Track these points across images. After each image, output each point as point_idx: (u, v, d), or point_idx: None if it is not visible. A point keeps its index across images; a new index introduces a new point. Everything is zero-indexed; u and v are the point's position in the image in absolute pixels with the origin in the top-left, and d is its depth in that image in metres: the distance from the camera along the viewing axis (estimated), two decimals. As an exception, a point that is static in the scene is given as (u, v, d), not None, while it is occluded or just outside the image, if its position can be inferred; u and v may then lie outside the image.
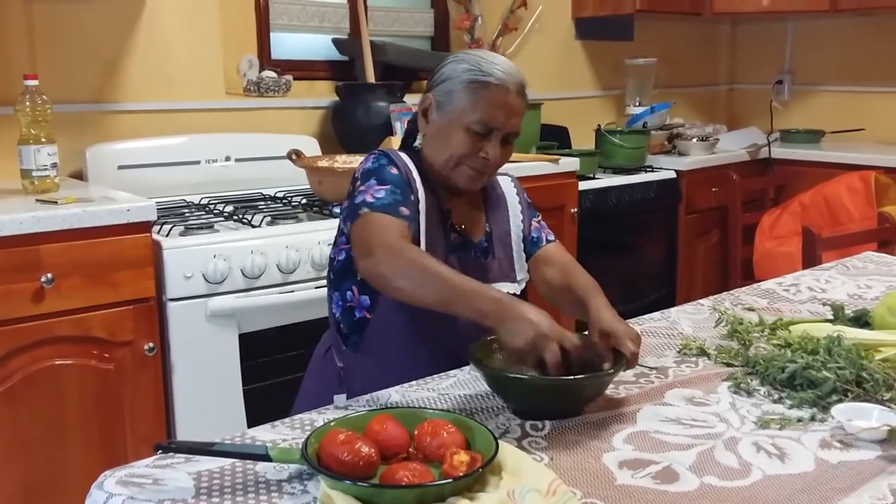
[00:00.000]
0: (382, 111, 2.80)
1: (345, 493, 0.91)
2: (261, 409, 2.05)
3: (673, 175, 3.44)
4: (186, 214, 2.31)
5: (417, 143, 1.50)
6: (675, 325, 1.60)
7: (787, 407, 1.22)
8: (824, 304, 1.69)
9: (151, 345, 1.98)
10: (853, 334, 1.36)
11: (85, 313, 1.91)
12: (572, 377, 1.16)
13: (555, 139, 3.37)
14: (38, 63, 2.35)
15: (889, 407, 1.17)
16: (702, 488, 0.99)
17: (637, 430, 1.15)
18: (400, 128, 2.73)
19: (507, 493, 0.92)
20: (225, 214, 2.31)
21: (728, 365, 1.39)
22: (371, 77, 2.90)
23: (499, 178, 1.56)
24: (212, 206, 2.40)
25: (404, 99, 2.91)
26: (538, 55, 3.56)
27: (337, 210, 2.29)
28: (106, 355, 1.95)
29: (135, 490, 0.96)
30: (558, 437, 1.12)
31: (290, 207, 2.44)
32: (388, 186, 1.35)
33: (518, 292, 1.50)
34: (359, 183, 1.39)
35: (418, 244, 1.37)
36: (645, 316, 1.65)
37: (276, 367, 2.14)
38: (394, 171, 1.38)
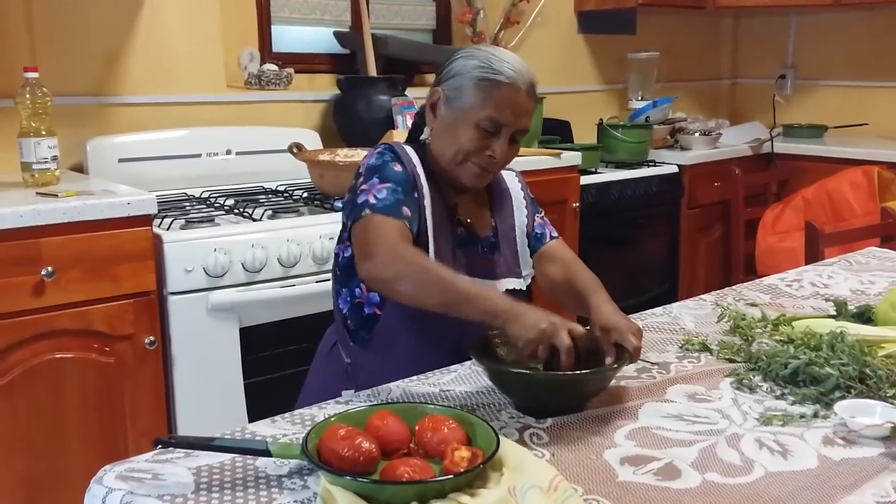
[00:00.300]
0: (384, 104, 2.79)
1: (345, 488, 0.90)
2: (261, 403, 2.05)
3: (675, 170, 3.43)
4: (187, 208, 2.30)
5: (424, 136, 1.50)
6: (677, 321, 1.59)
7: (789, 403, 1.22)
8: (827, 300, 1.68)
9: (152, 338, 1.98)
10: (856, 330, 1.36)
11: (85, 307, 1.91)
12: (575, 372, 1.15)
13: (557, 133, 3.36)
14: (39, 55, 2.34)
15: (892, 403, 1.17)
16: (704, 485, 0.99)
17: (639, 427, 1.14)
18: (401, 121, 2.72)
19: (508, 489, 0.92)
20: (226, 208, 2.30)
21: (730, 361, 1.38)
22: (372, 70, 2.89)
23: (504, 173, 1.56)
24: (212, 200, 2.40)
25: (406, 92, 2.90)
26: (540, 49, 3.55)
27: (339, 204, 2.29)
28: (106, 349, 1.95)
29: (134, 485, 0.96)
30: (560, 433, 1.12)
31: (291, 201, 2.43)
32: (391, 185, 1.34)
33: (524, 288, 1.50)
34: (362, 179, 1.38)
35: (424, 241, 1.37)
36: (647, 311, 1.64)
37: (277, 362, 2.14)
38: (397, 167, 1.38)
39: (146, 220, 1.97)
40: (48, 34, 2.37)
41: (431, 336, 1.39)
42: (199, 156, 2.56)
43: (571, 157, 2.94)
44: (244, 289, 2.07)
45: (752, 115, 4.30)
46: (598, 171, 3.22)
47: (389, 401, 1.21)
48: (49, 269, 1.84)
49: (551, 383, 1.16)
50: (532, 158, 2.79)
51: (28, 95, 2.04)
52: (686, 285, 3.53)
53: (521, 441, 1.09)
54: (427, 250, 1.37)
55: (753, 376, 1.30)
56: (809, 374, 1.25)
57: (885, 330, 1.39)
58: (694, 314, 1.63)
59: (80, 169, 2.42)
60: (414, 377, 1.31)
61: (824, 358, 1.26)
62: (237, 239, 2.06)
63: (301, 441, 0.98)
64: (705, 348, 1.43)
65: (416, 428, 1.03)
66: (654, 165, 3.41)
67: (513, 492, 0.91)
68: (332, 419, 1.04)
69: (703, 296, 1.76)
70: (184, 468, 1.00)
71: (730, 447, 1.08)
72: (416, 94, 2.83)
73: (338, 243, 1.47)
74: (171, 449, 1.04)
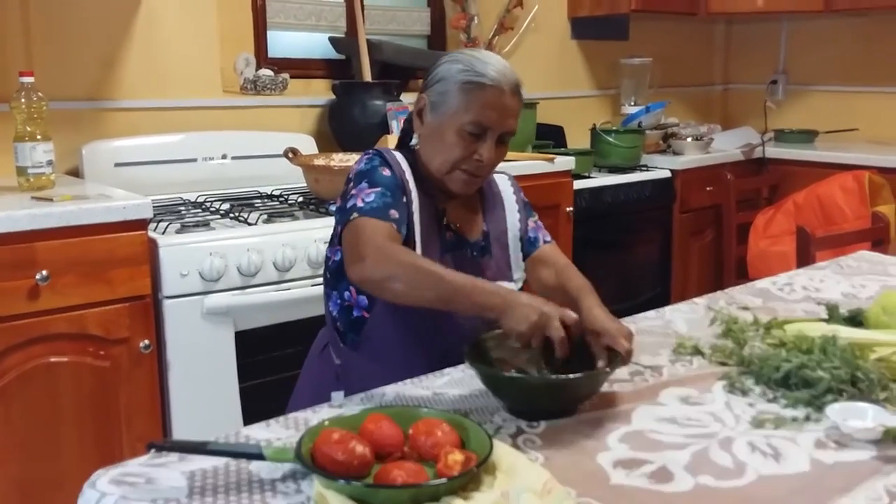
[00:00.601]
0: (379, 110, 2.80)
1: (339, 492, 0.90)
2: (257, 406, 2.05)
3: (668, 174, 3.44)
4: (183, 212, 2.30)
5: (413, 142, 1.50)
6: (670, 324, 1.60)
7: (781, 406, 1.22)
8: (819, 304, 1.69)
9: (147, 342, 1.98)
10: (848, 334, 1.36)
11: (80, 311, 1.90)
12: (567, 376, 1.16)
13: (550, 138, 3.37)
14: (35, 60, 2.34)
15: (884, 406, 1.17)
16: (696, 488, 0.99)
17: (632, 430, 1.15)
18: (396, 126, 2.73)
19: (501, 493, 0.92)
20: (221, 212, 2.30)
21: (723, 364, 1.38)
22: (367, 76, 2.90)
23: (496, 176, 1.56)
24: (208, 204, 2.40)
25: (401, 97, 2.91)
26: (534, 54, 3.56)
27: (333, 208, 2.29)
28: (101, 353, 1.94)
29: (128, 489, 0.95)
30: (553, 437, 1.12)
31: (286, 205, 2.44)
32: (379, 189, 1.35)
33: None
34: (351, 185, 1.39)
35: (411, 245, 1.38)
36: (639, 315, 1.64)
37: (273, 365, 2.14)
38: (386, 172, 1.38)
39: (141, 224, 1.97)
40: (44, 38, 2.37)
41: (419, 339, 1.39)
42: (194, 160, 2.56)
43: (565, 162, 2.95)
44: (239, 293, 2.07)
45: (743, 120, 4.32)
46: (592, 175, 3.23)
47: (383, 404, 1.21)
48: (44, 273, 1.84)
49: (543, 386, 1.17)
50: (525, 163, 2.80)
51: (23, 100, 2.04)
52: (678, 289, 3.53)
53: (514, 444, 1.09)
54: None
55: (746, 380, 1.30)
56: (801, 378, 1.25)
57: (876, 333, 1.39)
58: (686, 318, 1.64)
59: (75, 173, 2.42)
60: (407, 380, 1.31)
61: (816, 361, 1.26)
62: (232, 243, 2.07)
63: (295, 445, 0.98)
64: (698, 352, 1.44)
65: (410, 431, 1.03)
66: (647, 170, 3.42)
67: (506, 495, 0.91)
68: (326, 423, 1.03)
69: (695, 299, 1.76)
70: (178, 472, 1.00)
71: (722, 450, 1.08)
72: (411, 100, 2.83)
73: (329, 247, 1.47)
74: (164, 453, 1.03)
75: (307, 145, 2.75)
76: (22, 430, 1.87)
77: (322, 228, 2.19)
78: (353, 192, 1.36)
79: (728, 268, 3.65)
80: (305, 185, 2.46)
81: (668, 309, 1.69)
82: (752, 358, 1.35)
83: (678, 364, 1.40)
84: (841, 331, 1.36)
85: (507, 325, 1.18)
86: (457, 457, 0.96)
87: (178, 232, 2.08)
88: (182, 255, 2.00)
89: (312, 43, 3.14)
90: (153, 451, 1.01)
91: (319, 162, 2.44)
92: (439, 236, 1.43)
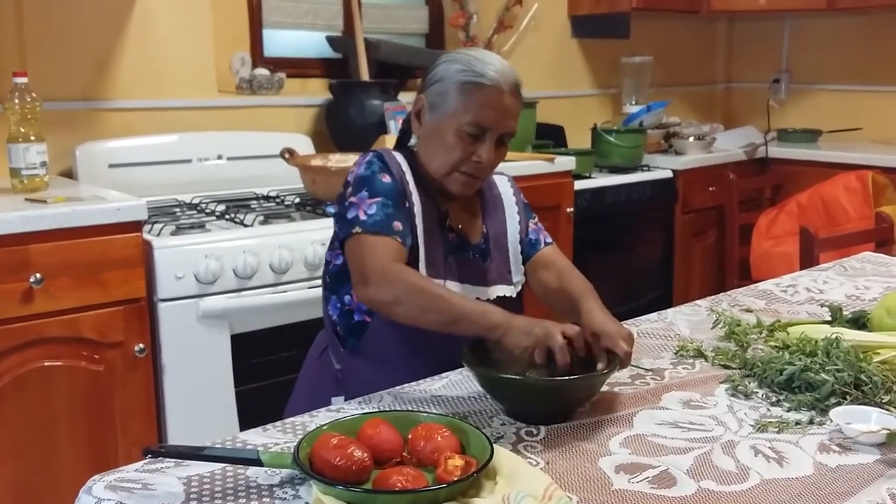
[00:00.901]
0: (376, 109, 2.78)
1: (337, 498, 0.90)
2: (253, 410, 2.03)
3: (669, 174, 3.43)
4: (178, 214, 2.29)
5: (412, 143, 1.49)
6: (672, 327, 1.58)
7: (785, 410, 1.21)
8: (822, 306, 1.68)
9: (142, 346, 1.96)
10: (851, 336, 1.35)
11: (75, 314, 1.89)
12: (564, 377, 1.15)
13: (550, 138, 3.36)
14: (28, 60, 2.33)
15: (888, 410, 1.16)
16: (699, 493, 0.98)
17: (633, 434, 1.14)
18: (394, 126, 2.71)
19: (501, 498, 0.91)
20: (217, 214, 2.29)
21: (725, 367, 1.37)
22: (365, 75, 2.89)
23: (495, 178, 1.55)
24: (203, 206, 2.39)
25: (398, 97, 2.90)
26: (534, 53, 3.55)
27: (330, 210, 2.27)
28: (96, 356, 1.93)
29: (124, 495, 0.95)
30: (554, 441, 1.11)
31: (282, 207, 2.42)
32: (380, 199, 1.34)
33: (514, 295, 1.49)
34: (351, 190, 1.37)
35: (414, 249, 1.37)
36: (641, 317, 1.64)
37: (269, 369, 2.13)
38: (385, 178, 1.37)
39: (136, 226, 1.96)
40: (38, 39, 2.36)
41: (421, 342, 1.38)
42: (189, 161, 2.55)
43: (565, 162, 2.93)
44: (235, 295, 2.06)
45: (746, 119, 4.31)
46: (592, 175, 3.22)
47: (382, 408, 1.20)
48: (38, 276, 1.82)
49: (541, 388, 1.16)
50: (526, 163, 2.79)
51: (17, 100, 2.03)
52: (681, 291, 3.52)
53: (515, 449, 1.08)
54: (417, 258, 1.36)
55: (749, 383, 1.29)
56: (805, 381, 1.24)
57: (880, 336, 1.38)
58: (689, 320, 1.62)
59: (69, 174, 2.41)
60: (405, 384, 1.30)
61: (819, 364, 1.25)
62: (228, 245, 2.05)
63: (293, 450, 0.97)
64: (700, 354, 1.43)
65: (409, 436, 1.03)
66: (649, 170, 3.41)
67: (507, 500, 0.90)
68: (325, 428, 1.03)
69: (697, 301, 1.75)
70: (174, 478, 0.99)
71: (725, 454, 1.08)
72: (409, 99, 2.82)
73: (328, 250, 1.46)
74: (160, 458, 1.03)
75: (304, 145, 2.73)
76: (16, 434, 1.86)
77: (319, 230, 2.17)
78: (354, 199, 1.35)
79: (731, 269, 3.64)
80: (302, 185, 2.44)
81: (670, 311, 1.68)
82: (754, 361, 1.34)
83: (680, 367, 1.39)
84: (844, 333, 1.36)
85: (510, 342, 1.19)
86: (457, 462, 0.96)
87: (173, 234, 2.07)
88: (177, 257, 1.98)
89: (309, 42, 3.12)
90: (149, 456, 1.00)
91: (316, 162, 2.43)
92: (442, 238, 1.42)
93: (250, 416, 2.00)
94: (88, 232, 1.89)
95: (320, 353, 1.51)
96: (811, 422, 1.16)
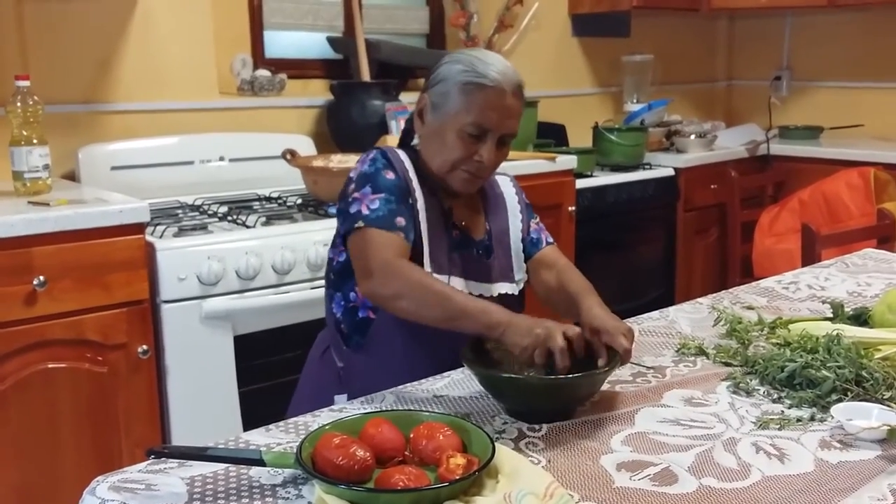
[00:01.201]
0: (378, 110, 2.79)
1: (340, 497, 0.90)
2: (257, 411, 2.04)
3: (671, 172, 3.43)
4: (180, 215, 2.29)
5: (415, 142, 1.49)
6: (674, 325, 1.59)
7: (786, 407, 1.21)
8: (824, 302, 1.68)
9: (145, 347, 1.97)
10: (853, 333, 1.35)
11: (78, 316, 1.89)
12: (565, 376, 1.15)
13: (552, 137, 3.36)
14: (30, 63, 2.33)
15: (889, 406, 1.16)
16: (700, 490, 0.98)
17: (635, 432, 1.14)
18: (395, 126, 2.71)
19: (503, 496, 0.91)
20: (219, 215, 2.29)
21: (727, 364, 1.38)
22: (366, 75, 2.89)
23: (497, 177, 1.56)
24: (206, 207, 2.39)
25: (399, 97, 2.90)
26: (534, 52, 3.55)
27: (332, 210, 2.28)
28: (99, 358, 1.93)
29: (127, 496, 0.95)
30: (555, 440, 1.11)
31: (284, 208, 2.42)
32: (383, 195, 1.35)
33: (516, 293, 1.49)
34: (354, 186, 1.38)
35: (419, 245, 1.37)
36: (643, 315, 1.64)
37: (272, 369, 2.13)
38: (389, 175, 1.38)
39: (139, 228, 1.96)
40: (39, 42, 2.36)
41: (426, 339, 1.38)
42: (191, 163, 2.55)
43: (567, 161, 2.93)
44: (238, 296, 2.06)
45: (747, 117, 4.30)
46: (594, 174, 3.21)
47: (384, 408, 1.20)
48: (41, 278, 1.83)
49: (541, 387, 1.16)
50: (527, 162, 2.79)
51: (19, 104, 2.03)
52: (683, 288, 3.52)
53: (516, 447, 1.08)
54: (422, 255, 1.37)
55: (750, 380, 1.30)
56: (806, 378, 1.24)
57: (881, 332, 1.38)
58: (690, 318, 1.62)
59: (72, 177, 2.41)
60: (407, 384, 1.30)
61: (821, 361, 1.25)
62: (231, 246, 2.05)
63: (295, 450, 0.97)
64: (702, 352, 1.43)
65: (411, 435, 1.03)
66: (650, 168, 3.41)
67: (508, 499, 0.90)
68: (327, 427, 1.03)
69: (699, 299, 1.75)
70: (177, 478, 0.99)
71: (727, 451, 1.08)
72: (410, 99, 2.82)
73: (331, 248, 1.46)
74: (164, 459, 1.03)
75: (305, 146, 2.73)
76: (20, 436, 1.86)
77: (321, 231, 2.17)
78: (357, 195, 1.36)
79: (733, 266, 3.64)
80: (304, 186, 2.45)
81: (671, 309, 1.68)
82: (756, 358, 1.35)
83: (682, 365, 1.39)
84: (846, 330, 1.36)
85: (510, 341, 1.19)
86: (458, 460, 0.96)
87: (175, 236, 2.07)
88: (180, 258, 1.99)
89: (310, 43, 3.13)
90: (152, 457, 1.01)
91: (318, 163, 2.43)
92: (447, 235, 1.43)
93: (254, 416, 2.01)
94: (91, 234, 1.89)
95: (322, 352, 1.51)
96: (812, 418, 1.17)
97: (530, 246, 1.53)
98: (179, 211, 2.35)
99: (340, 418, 1.08)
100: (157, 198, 2.41)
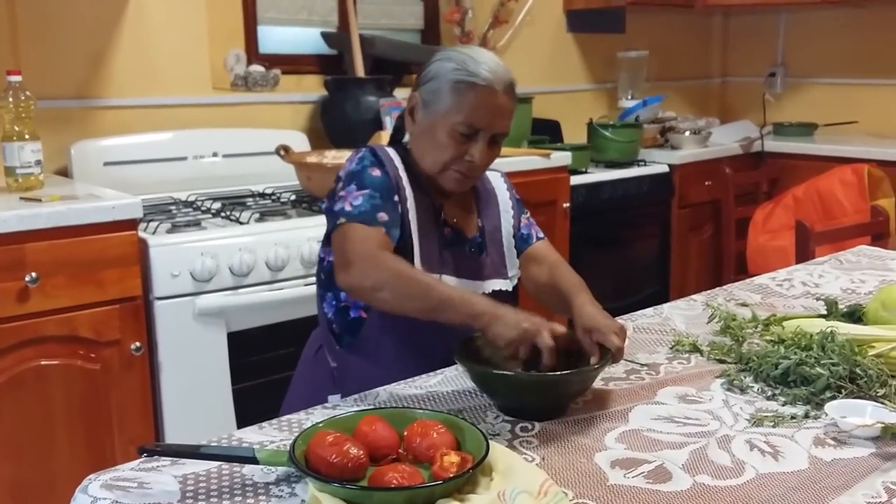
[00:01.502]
0: (372, 105, 2.78)
1: (333, 495, 0.90)
2: (250, 408, 2.03)
3: (665, 169, 3.43)
4: (173, 211, 2.29)
5: (405, 140, 1.49)
6: (668, 322, 1.59)
7: (780, 404, 1.21)
8: (818, 299, 1.68)
9: (138, 344, 1.96)
10: (846, 330, 1.35)
11: (70, 313, 1.89)
12: (556, 373, 1.15)
13: (546, 133, 3.35)
14: (22, 58, 2.32)
15: (883, 403, 1.16)
16: (695, 487, 0.98)
17: (629, 429, 1.14)
18: (389, 122, 2.71)
19: (497, 494, 0.91)
20: (212, 211, 2.28)
21: (721, 361, 1.38)
22: (360, 71, 2.88)
23: (489, 174, 1.55)
24: (199, 203, 2.38)
25: (394, 93, 2.89)
26: (529, 48, 3.55)
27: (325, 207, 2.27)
28: (92, 355, 1.93)
29: (119, 494, 0.94)
30: (550, 437, 1.11)
31: (278, 204, 2.42)
32: (367, 191, 1.34)
33: (510, 289, 1.49)
34: (340, 185, 1.38)
35: (409, 244, 1.36)
36: (637, 312, 1.64)
37: (266, 366, 2.13)
38: (376, 172, 1.37)
39: (131, 224, 1.96)
40: (31, 36, 2.35)
41: (418, 338, 1.38)
42: (185, 159, 2.55)
43: (561, 158, 2.93)
44: (231, 293, 2.05)
45: (742, 113, 4.31)
46: (588, 171, 3.21)
47: (377, 405, 1.20)
48: (33, 274, 1.82)
49: (533, 384, 1.16)
50: (521, 159, 2.78)
51: (11, 99, 2.02)
52: (677, 285, 3.52)
53: (510, 445, 1.08)
54: (412, 254, 1.36)
55: (744, 377, 1.30)
56: (800, 375, 1.24)
57: (875, 329, 1.38)
58: (685, 315, 1.62)
59: (64, 173, 2.40)
60: (401, 381, 1.30)
61: (815, 358, 1.25)
62: (224, 243, 2.05)
63: (288, 448, 0.97)
64: (696, 349, 1.43)
65: (405, 433, 1.03)
66: (645, 165, 3.41)
67: (502, 497, 0.90)
68: (320, 425, 1.03)
69: (693, 296, 1.75)
70: (170, 476, 0.99)
71: (721, 449, 1.08)
72: (405, 95, 2.78)
73: (322, 247, 1.46)
74: (156, 457, 1.02)
75: (299, 142, 2.73)
76: (13, 434, 1.85)
77: (315, 227, 2.17)
78: (342, 193, 1.36)
79: (727, 263, 3.64)
80: (298, 182, 2.44)
81: (666, 306, 1.68)
82: (750, 355, 1.34)
83: (676, 362, 1.39)
84: (840, 327, 1.36)
85: (495, 333, 1.17)
86: (452, 458, 0.96)
87: (168, 232, 2.06)
88: (173, 255, 1.98)
89: (304, 38, 3.11)
90: (145, 455, 1.00)
91: (312, 159, 2.42)
92: (437, 233, 1.42)
93: (247, 413, 2.00)
94: (84, 230, 1.88)
95: (315, 351, 1.50)
96: (806, 416, 1.17)
97: (520, 241, 1.52)
98: (173, 207, 2.34)
99: (334, 416, 1.07)
100: (151, 194, 2.40)
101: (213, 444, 1.07)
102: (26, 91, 2.04)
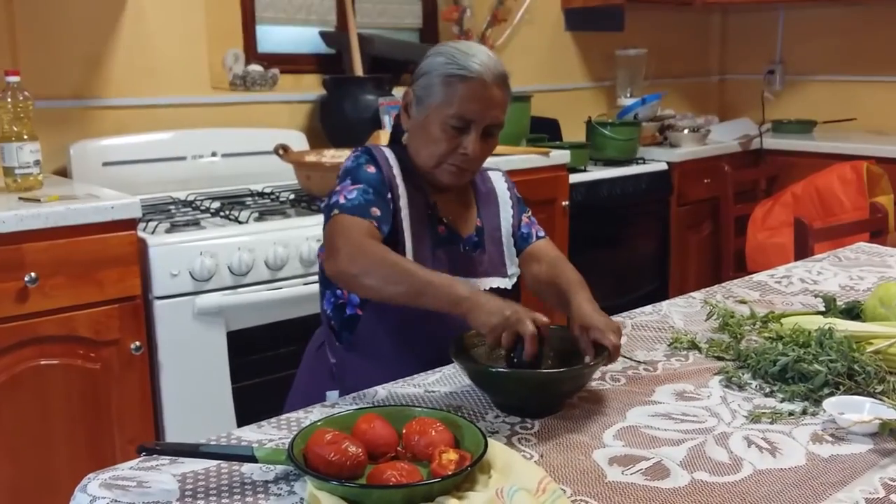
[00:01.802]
0: (370, 104, 2.78)
1: (332, 493, 0.90)
2: (250, 407, 2.04)
3: (664, 167, 3.43)
4: (172, 211, 2.28)
5: (404, 138, 1.49)
6: (667, 319, 1.59)
7: (778, 401, 1.22)
8: (816, 296, 1.68)
9: (138, 344, 1.96)
10: (845, 326, 1.36)
11: (70, 312, 1.89)
12: (554, 370, 1.15)
13: (545, 132, 3.35)
14: (20, 58, 2.32)
15: (881, 400, 1.17)
16: (693, 484, 0.98)
17: (627, 426, 1.14)
18: (388, 121, 2.71)
19: (495, 491, 0.91)
20: (211, 211, 2.28)
21: (719, 358, 1.38)
22: (359, 70, 2.88)
23: (489, 172, 1.55)
24: (198, 203, 2.38)
25: (393, 92, 2.89)
26: (528, 46, 3.55)
27: (323, 206, 2.27)
28: (92, 355, 1.93)
29: (119, 493, 0.95)
30: (548, 434, 1.11)
31: (277, 203, 2.42)
32: (361, 186, 1.35)
33: (509, 287, 1.49)
34: (337, 182, 1.39)
35: (400, 241, 1.37)
36: (636, 309, 1.64)
37: (266, 365, 2.13)
38: (370, 169, 1.37)
39: (131, 224, 1.96)
40: (30, 37, 2.35)
41: (413, 336, 1.38)
42: (183, 158, 2.55)
43: (560, 156, 2.93)
44: (231, 292, 2.05)
45: (741, 111, 4.31)
46: (587, 169, 3.21)
47: (376, 404, 1.20)
48: (32, 275, 1.82)
49: (528, 381, 1.16)
50: (520, 157, 2.78)
51: (9, 99, 2.02)
52: (676, 283, 3.53)
53: (509, 443, 1.08)
54: (404, 251, 1.36)
55: (742, 374, 1.30)
56: (798, 371, 1.25)
57: (873, 326, 1.38)
58: (683, 312, 1.63)
59: (63, 173, 2.40)
60: (399, 379, 1.30)
61: (813, 355, 1.26)
62: (223, 242, 2.05)
63: (287, 446, 0.97)
64: (694, 346, 1.43)
65: (404, 431, 1.03)
66: (644, 163, 3.41)
67: (500, 494, 0.90)
68: (319, 424, 1.03)
69: (692, 293, 1.75)
70: (169, 475, 0.99)
71: (718, 445, 1.08)
72: (403, 94, 2.81)
73: (321, 245, 1.46)
74: (156, 456, 1.03)
75: (298, 142, 2.73)
76: (13, 433, 1.85)
77: (314, 226, 2.17)
78: (338, 188, 1.37)
79: (726, 260, 3.65)
80: (297, 182, 2.44)
81: (664, 303, 1.69)
82: (748, 352, 1.35)
83: (674, 359, 1.39)
84: (838, 324, 1.36)
85: (477, 320, 1.16)
86: (451, 456, 0.96)
87: (167, 231, 2.06)
88: (172, 254, 1.98)
89: (302, 37, 3.11)
90: (144, 453, 1.00)
91: (311, 158, 2.42)
92: (431, 231, 1.42)
93: (247, 412, 2.01)
94: (83, 230, 1.88)
95: (317, 348, 1.51)
96: (804, 412, 1.17)
97: (521, 240, 1.52)
98: (172, 207, 2.34)
99: (332, 414, 1.07)
100: (149, 193, 2.40)
101: (211, 443, 1.07)
102: (25, 91, 2.04)
